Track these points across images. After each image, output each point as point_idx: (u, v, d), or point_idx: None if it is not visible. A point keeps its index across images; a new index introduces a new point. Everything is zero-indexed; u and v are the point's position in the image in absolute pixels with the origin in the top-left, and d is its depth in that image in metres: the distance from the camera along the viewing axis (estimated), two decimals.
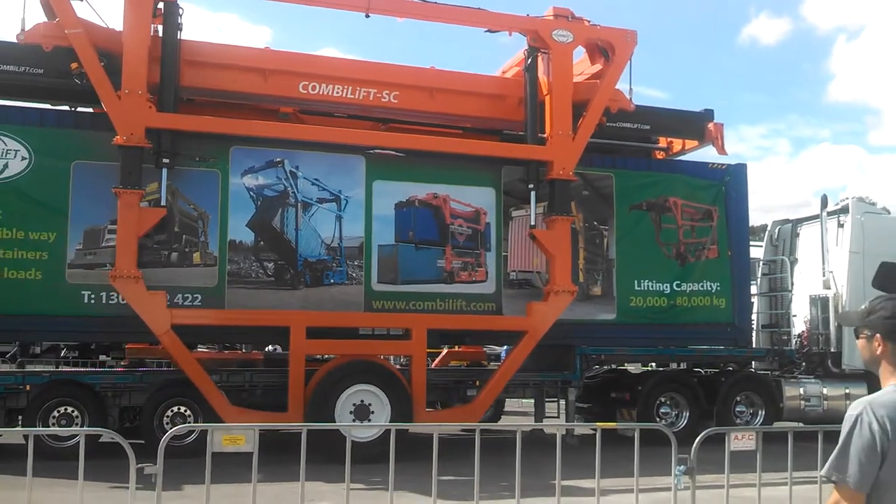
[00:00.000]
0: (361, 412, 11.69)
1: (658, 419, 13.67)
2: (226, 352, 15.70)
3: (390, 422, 11.25)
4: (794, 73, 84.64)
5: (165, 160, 11.41)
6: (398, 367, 13.43)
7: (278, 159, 12.43)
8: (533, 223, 12.83)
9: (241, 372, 12.64)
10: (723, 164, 14.84)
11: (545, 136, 12.75)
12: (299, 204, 12.50)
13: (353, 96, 12.55)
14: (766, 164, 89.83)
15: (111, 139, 11.53)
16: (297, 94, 12.38)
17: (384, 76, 12.86)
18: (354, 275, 12.62)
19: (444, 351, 15.95)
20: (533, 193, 12.83)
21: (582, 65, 13.74)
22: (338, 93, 12.48)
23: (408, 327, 12.25)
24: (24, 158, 11.46)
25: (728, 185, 14.56)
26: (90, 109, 12.35)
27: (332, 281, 12.55)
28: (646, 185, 14.15)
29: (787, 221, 16.67)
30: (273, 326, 12.30)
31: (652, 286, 13.89)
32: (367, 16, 12.29)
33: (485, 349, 16.97)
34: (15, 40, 11.32)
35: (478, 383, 12.94)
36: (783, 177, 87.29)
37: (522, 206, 13.36)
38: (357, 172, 12.77)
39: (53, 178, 11.58)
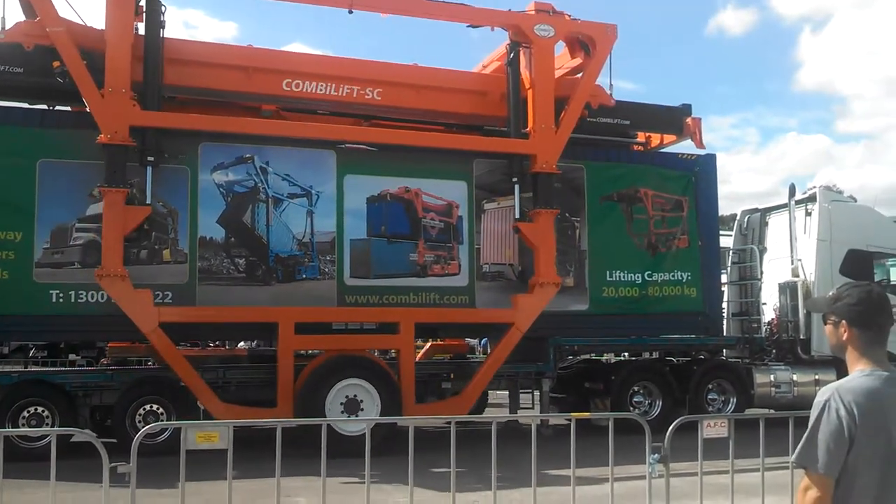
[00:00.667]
0: (351, 406, 11.71)
1: (631, 408, 13.77)
2: (208, 348, 15.63)
3: (380, 415, 11.35)
4: (761, 63, 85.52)
5: (150, 158, 11.34)
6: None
7: (248, 155, 12.35)
8: (517, 216, 12.91)
9: (223, 368, 12.56)
10: (692, 155, 14.99)
11: (528, 130, 12.83)
12: (270, 199, 12.43)
13: (336, 93, 12.58)
14: (735, 154, 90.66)
15: (77, 137, 11.54)
16: (280, 92, 12.38)
17: (368, 73, 12.89)
18: (327, 270, 12.58)
19: (428, 344, 15.97)
20: (517, 187, 12.90)
21: (562, 58, 13.81)
22: (321, 90, 12.50)
23: (396, 321, 12.29)
24: None
25: (698, 175, 14.69)
26: (68, 108, 12.22)
27: (304, 276, 12.50)
28: (616, 177, 14.23)
29: (755, 210, 16.84)
30: (247, 323, 12.33)
31: (624, 276, 13.99)
32: (350, 12, 12.30)
33: (467, 341, 17.01)
34: None
35: (452, 376, 12.96)
36: (752, 166, 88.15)
37: (494, 199, 13.42)
38: (328, 167, 12.72)
39: (19, 176, 11.44)
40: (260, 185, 12.40)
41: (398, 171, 13.03)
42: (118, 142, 11.04)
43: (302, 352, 12.74)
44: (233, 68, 12.24)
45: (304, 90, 12.44)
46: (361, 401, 11.77)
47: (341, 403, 11.68)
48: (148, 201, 11.39)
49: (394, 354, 12.94)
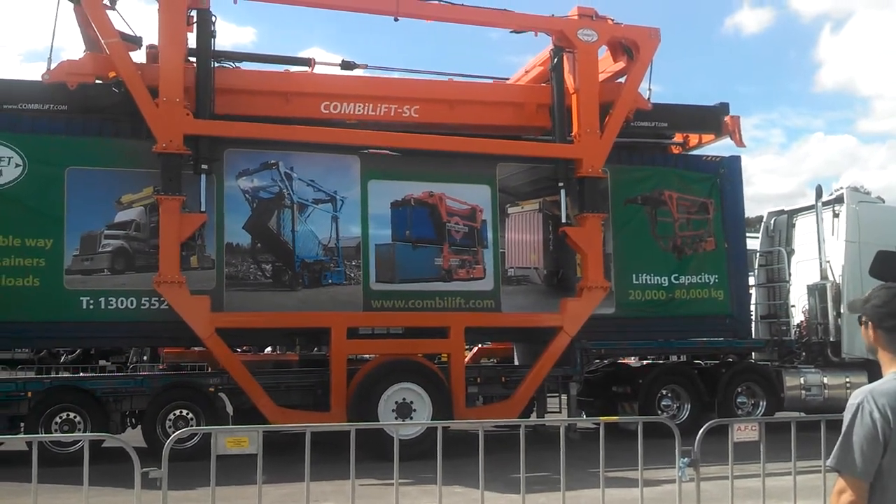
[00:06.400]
0: (404, 410, 11.80)
1: (660, 412, 13.69)
2: (260, 354, 15.86)
3: (432, 419, 11.41)
4: (782, 63, 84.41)
5: (204, 166, 11.52)
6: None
7: (273, 161, 12.44)
8: (563, 220, 12.93)
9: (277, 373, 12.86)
10: (717, 157, 14.90)
11: (573, 134, 12.90)
12: (295, 205, 12.51)
13: (374, 113, 12.79)
14: (757, 156, 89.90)
15: (103, 145, 11.80)
16: (319, 115, 12.58)
17: (404, 91, 13.14)
18: (352, 275, 12.63)
19: (476, 348, 16.03)
20: (562, 191, 12.95)
21: (604, 63, 13.83)
22: (359, 110, 12.71)
23: (446, 326, 12.37)
24: (17, 165, 11.46)
25: (723, 177, 14.59)
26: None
27: (330, 281, 12.56)
28: (640, 179, 14.17)
29: (782, 212, 16.70)
30: (272, 328, 12.48)
31: (650, 279, 13.92)
32: (396, 19, 12.45)
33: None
34: (40, 79, 11.55)
35: (479, 380, 12.96)
36: (775, 167, 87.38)
37: (518, 203, 13.43)
38: (352, 172, 12.79)
39: (48, 184, 11.59)
40: (285, 190, 12.48)
41: (422, 175, 13.08)
42: (173, 150, 11.25)
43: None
44: (271, 94, 12.48)
45: (342, 111, 12.66)
46: (415, 408, 11.83)
47: (396, 402, 11.76)
48: (202, 209, 11.56)
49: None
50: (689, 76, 78.52)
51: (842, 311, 14.69)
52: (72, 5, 11.64)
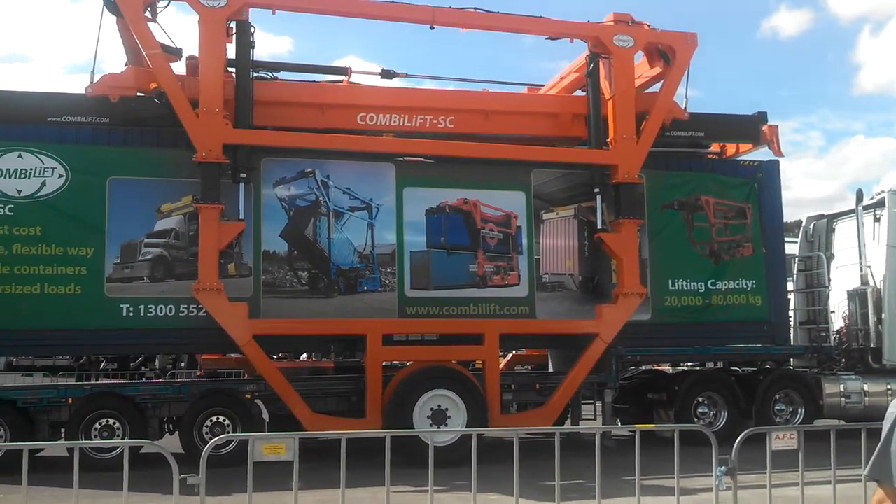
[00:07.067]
0: (438, 417, 11.84)
1: (696, 419, 13.56)
2: (296, 360, 16.02)
3: (467, 426, 11.46)
4: (820, 66, 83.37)
5: (243, 175, 11.68)
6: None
7: (309, 169, 12.55)
8: (599, 227, 12.92)
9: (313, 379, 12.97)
10: (754, 161, 14.76)
11: (609, 140, 12.90)
12: (331, 213, 12.60)
13: (410, 124, 12.86)
14: (796, 160, 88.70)
15: (144, 155, 12.00)
16: (355, 126, 12.69)
17: (439, 101, 13.22)
18: (387, 282, 12.68)
19: (510, 355, 15.99)
20: (598, 197, 12.94)
21: (640, 68, 13.77)
22: (395, 121, 12.79)
23: (481, 332, 12.37)
24: (61, 176, 11.68)
25: (760, 181, 14.45)
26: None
27: (365, 288, 12.62)
28: (677, 185, 14.08)
29: (821, 217, 16.48)
30: (308, 335, 12.62)
31: (686, 285, 13.81)
32: (432, 27, 12.53)
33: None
34: (83, 93, 11.81)
35: (514, 387, 12.94)
36: (814, 171, 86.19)
37: (553, 209, 13.42)
38: (387, 180, 12.85)
39: (90, 194, 11.79)
40: (321, 198, 12.57)
41: (457, 182, 13.10)
42: (212, 159, 11.41)
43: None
44: (308, 106, 12.60)
45: (378, 123, 12.75)
46: (449, 414, 11.83)
47: (431, 409, 11.78)
48: (241, 217, 11.71)
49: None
50: (725, 80, 77.77)
51: (883, 316, 14.48)
52: (114, 18, 11.86)
